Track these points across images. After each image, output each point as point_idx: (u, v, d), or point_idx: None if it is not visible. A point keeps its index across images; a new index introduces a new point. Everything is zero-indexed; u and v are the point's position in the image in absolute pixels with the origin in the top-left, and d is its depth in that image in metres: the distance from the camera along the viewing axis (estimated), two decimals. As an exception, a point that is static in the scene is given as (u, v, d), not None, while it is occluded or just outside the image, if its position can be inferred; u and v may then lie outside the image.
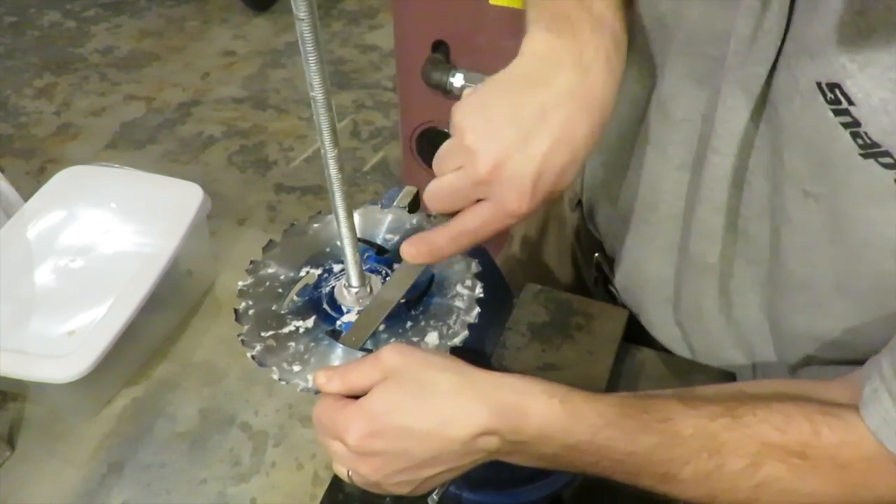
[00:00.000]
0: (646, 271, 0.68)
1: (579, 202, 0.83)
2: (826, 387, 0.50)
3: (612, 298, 0.77)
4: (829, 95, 0.42)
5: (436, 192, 0.49)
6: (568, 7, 0.50)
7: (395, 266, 0.57)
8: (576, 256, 0.86)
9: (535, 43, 0.49)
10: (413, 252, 0.50)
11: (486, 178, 0.46)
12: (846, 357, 0.54)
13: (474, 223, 0.49)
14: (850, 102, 0.41)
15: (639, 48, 0.58)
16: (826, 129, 0.44)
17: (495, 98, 0.48)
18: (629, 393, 0.50)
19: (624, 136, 0.64)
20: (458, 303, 0.56)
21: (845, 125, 0.42)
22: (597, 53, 0.48)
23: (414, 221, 0.61)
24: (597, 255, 0.78)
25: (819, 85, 0.43)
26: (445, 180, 0.48)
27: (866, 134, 0.42)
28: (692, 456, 0.45)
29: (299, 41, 0.41)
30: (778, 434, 0.45)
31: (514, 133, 0.46)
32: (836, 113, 0.42)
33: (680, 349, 0.71)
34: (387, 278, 0.57)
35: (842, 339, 0.54)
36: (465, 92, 0.49)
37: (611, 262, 0.76)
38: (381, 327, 0.55)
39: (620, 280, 0.74)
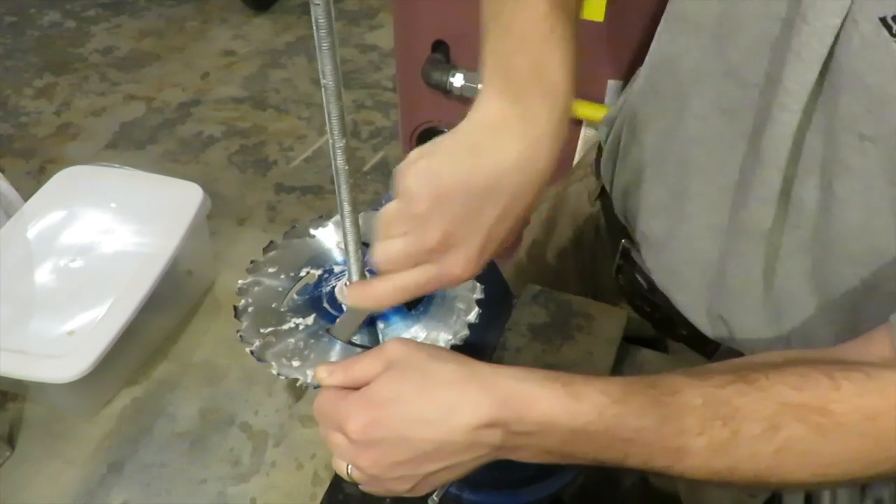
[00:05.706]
0: (690, 247, 0.67)
1: (601, 193, 0.82)
2: (841, 349, 0.48)
3: (637, 287, 0.75)
4: (895, 28, 0.44)
5: (383, 256, 0.50)
6: (523, 70, 0.50)
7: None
8: (594, 252, 0.85)
9: (488, 108, 0.50)
10: (354, 298, 0.53)
11: (436, 248, 0.48)
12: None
13: (417, 282, 0.50)
14: None
15: (689, 18, 0.58)
16: (890, 63, 0.45)
17: (447, 167, 0.48)
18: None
19: (672, 111, 0.64)
20: (459, 303, 0.56)
21: None
22: (546, 124, 0.50)
23: None
24: (623, 241, 0.77)
25: (883, 20, 0.44)
26: (393, 245, 0.49)
27: None
28: (705, 425, 0.43)
29: (313, 26, 0.41)
30: (795, 393, 0.43)
31: (465, 204, 0.48)
32: None
33: (716, 329, 0.69)
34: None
35: None
36: (413, 154, 0.50)
37: (638, 247, 0.75)
38: (381, 326, 0.55)
39: (660, 261, 0.72)
